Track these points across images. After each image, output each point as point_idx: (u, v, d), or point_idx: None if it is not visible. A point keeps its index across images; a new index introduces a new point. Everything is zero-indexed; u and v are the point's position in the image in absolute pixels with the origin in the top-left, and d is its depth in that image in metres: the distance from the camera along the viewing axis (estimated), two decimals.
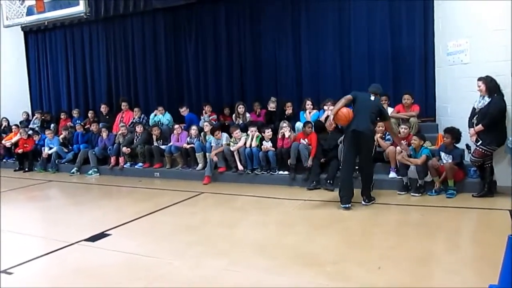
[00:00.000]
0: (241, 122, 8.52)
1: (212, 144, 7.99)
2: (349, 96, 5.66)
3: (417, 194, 6.05)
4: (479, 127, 5.71)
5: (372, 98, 5.71)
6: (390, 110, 7.34)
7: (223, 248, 4.27)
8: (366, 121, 5.50)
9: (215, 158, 7.82)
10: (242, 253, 4.11)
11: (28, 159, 10.24)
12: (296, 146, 7.11)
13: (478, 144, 5.75)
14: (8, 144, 10.84)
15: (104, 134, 9.55)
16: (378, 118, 5.81)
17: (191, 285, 3.43)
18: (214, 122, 8.64)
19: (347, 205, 5.46)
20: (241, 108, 8.67)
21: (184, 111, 9.36)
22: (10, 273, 3.81)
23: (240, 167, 7.67)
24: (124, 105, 10.15)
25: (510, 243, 2.88)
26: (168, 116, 9.61)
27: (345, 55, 8.56)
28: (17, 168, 10.31)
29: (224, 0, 9.59)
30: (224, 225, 5.06)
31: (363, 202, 5.65)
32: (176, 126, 8.81)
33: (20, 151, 10.26)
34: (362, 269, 3.58)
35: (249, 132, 7.80)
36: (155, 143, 8.89)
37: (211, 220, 5.37)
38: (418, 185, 6.12)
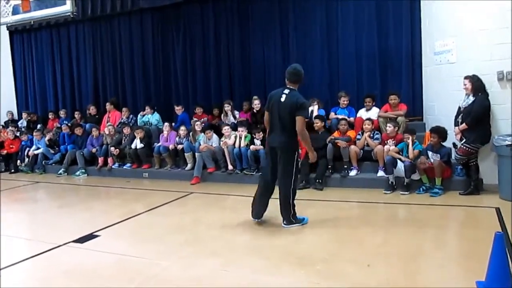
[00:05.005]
0: (231, 121, 8.51)
1: (201, 143, 7.98)
2: (266, 113, 4.89)
3: (405, 192, 6.11)
4: (463, 125, 5.82)
5: (287, 92, 4.65)
6: (376, 110, 7.44)
7: (214, 248, 4.26)
8: (278, 133, 4.67)
9: (204, 149, 7.80)
10: (234, 253, 4.10)
11: (13, 160, 10.10)
12: None
13: (462, 142, 5.85)
14: None
15: (95, 133, 9.48)
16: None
17: (183, 285, 3.41)
18: (203, 125, 8.61)
19: (254, 219, 4.97)
20: (227, 107, 8.67)
21: (179, 109, 9.31)
22: None
23: (230, 166, 7.67)
24: (108, 105, 10.07)
25: (497, 240, 2.93)
26: (157, 116, 9.56)
27: (333, 54, 8.62)
28: (3, 170, 10.17)
29: None
30: (215, 225, 5.04)
31: (282, 224, 4.81)
32: (166, 124, 8.77)
33: (4, 152, 10.13)
34: (353, 266, 3.61)
35: (237, 132, 7.82)
36: (138, 145, 8.74)
37: (201, 220, 5.36)
38: (405, 183, 6.18)
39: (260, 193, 4.92)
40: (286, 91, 4.65)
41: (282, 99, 4.61)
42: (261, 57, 9.25)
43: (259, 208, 4.94)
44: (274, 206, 4.88)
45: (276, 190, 4.88)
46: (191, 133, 8.43)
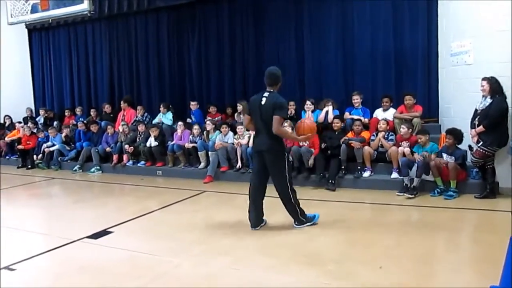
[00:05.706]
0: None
1: (217, 141, 8.01)
2: (245, 116, 4.95)
3: (411, 196, 5.96)
4: (480, 128, 5.72)
5: (266, 95, 4.62)
6: (393, 111, 7.38)
7: (225, 246, 4.28)
8: (264, 136, 4.60)
9: (219, 147, 7.84)
10: (245, 252, 4.12)
11: (30, 156, 10.27)
12: (296, 150, 7.10)
13: (479, 145, 5.76)
14: (8, 140, 10.92)
15: (110, 131, 9.59)
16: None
17: (193, 283, 3.44)
18: (218, 123, 8.66)
19: (253, 228, 4.80)
20: (239, 107, 8.69)
21: (194, 105, 9.34)
22: (13, 269, 3.83)
23: (239, 164, 7.71)
24: (122, 103, 10.15)
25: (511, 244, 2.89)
26: (169, 115, 9.61)
27: (348, 55, 8.55)
28: (20, 165, 10.35)
29: None
30: (226, 224, 5.07)
31: (294, 225, 4.80)
32: (180, 123, 8.82)
33: (20, 147, 10.32)
34: (364, 268, 3.59)
35: (251, 131, 7.82)
36: (153, 143, 8.81)
37: (213, 218, 5.38)
38: (412, 186, 6.06)
39: (252, 194, 4.84)
40: (266, 94, 4.63)
41: (263, 102, 4.58)
42: (275, 57, 9.21)
43: (253, 215, 4.82)
44: (281, 205, 4.86)
45: (269, 193, 4.86)
46: (204, 132, 8.48)
